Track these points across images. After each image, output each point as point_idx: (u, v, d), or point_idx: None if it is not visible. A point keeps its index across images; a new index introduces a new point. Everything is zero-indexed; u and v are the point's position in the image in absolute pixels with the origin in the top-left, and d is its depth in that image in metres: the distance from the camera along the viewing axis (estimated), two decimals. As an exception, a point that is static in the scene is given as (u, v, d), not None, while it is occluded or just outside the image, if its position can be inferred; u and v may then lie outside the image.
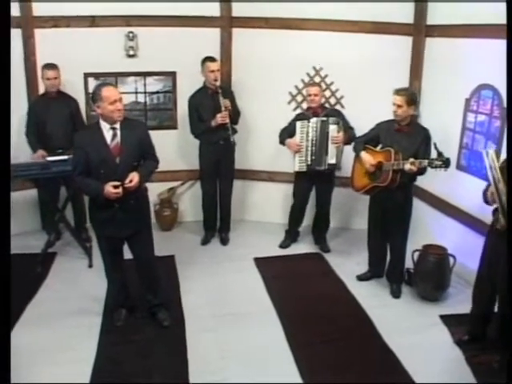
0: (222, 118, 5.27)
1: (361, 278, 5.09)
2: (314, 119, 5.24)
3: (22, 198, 5.92)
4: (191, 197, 6.33)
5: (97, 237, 4.15)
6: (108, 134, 3.81)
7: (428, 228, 5.45)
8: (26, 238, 5.77)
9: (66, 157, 4.95)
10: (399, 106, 4.41)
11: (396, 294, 4.82)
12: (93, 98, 3.80)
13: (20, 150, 5.58)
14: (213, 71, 5.31)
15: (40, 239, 5.60)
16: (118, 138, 3.82)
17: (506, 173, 3.37)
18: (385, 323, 4.32)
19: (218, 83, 5.37)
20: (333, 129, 5.18)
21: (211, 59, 5.38)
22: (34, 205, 6.03)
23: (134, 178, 3.78)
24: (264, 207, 6.36)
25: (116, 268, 4.23)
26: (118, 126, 3.82)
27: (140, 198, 4.01)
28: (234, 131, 5.51)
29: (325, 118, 5.21)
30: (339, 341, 4.09)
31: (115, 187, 3.73)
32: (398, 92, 4.44)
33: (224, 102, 5.30)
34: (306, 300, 4.68)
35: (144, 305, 4.38)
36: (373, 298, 4.75)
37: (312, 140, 5.24)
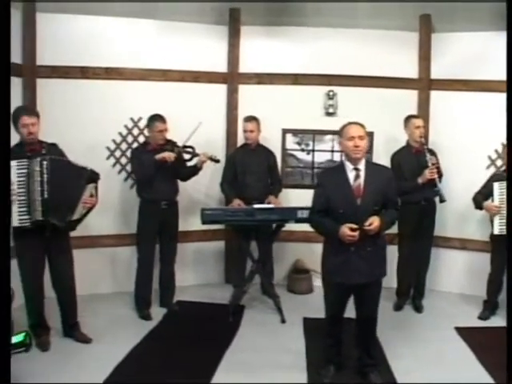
0: (430, 173, 5.10)
1: None
2: None
3: (208, 250, 6.03)
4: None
5: (324, 284, 3.94)
6: (351, 174, 3.70)
7: None
8: (210, 289, 5.86)
9: (271, 205, 4.96)
10: None
11: None
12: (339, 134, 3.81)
13: (211, 198, 5.80)
14: (418, 127, 5.24)
15: (224, 291, 5.64)
16: (361, 179, 3.68)
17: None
18: None
19: (423, 140, 5.27)
20: None
21: (415, 116, 5.37)
22: (219, 256, 6.11)
23: (374, 221, 3.57)
24: (454, 276, 5.95)
25: (337, 320, 3.99)
26: (361, 167, 3.71)
27: (378, 246, 3.77)
28: (438, 192, 5.30)
29: None
30: None
31: (352, 230, 3.55)
32: None
33: (431, 159, 5.16)
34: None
35: (352, 362, 4.10)
36: None
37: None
